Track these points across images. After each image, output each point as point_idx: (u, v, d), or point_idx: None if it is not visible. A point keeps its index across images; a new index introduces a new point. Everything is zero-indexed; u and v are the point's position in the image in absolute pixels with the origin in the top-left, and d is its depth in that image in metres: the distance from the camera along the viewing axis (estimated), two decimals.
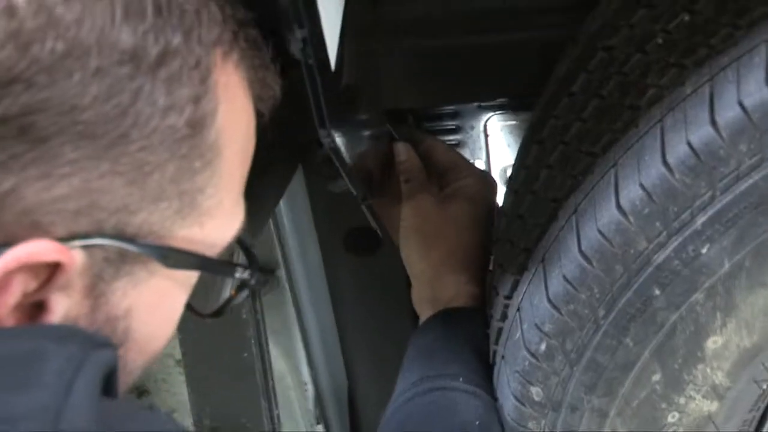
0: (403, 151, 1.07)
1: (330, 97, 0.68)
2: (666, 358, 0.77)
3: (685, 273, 0.72)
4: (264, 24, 0.69)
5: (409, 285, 1.05)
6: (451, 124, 1.25)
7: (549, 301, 0.78)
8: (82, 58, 0.46)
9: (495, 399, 0.88)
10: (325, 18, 0.67)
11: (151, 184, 0.50)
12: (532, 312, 0.80)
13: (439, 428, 0.86)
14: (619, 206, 0.72)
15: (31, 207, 0.47)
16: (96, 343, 0.48)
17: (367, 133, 0.95)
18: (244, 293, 0.65)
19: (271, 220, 1.29)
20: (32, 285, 0.48)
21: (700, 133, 0.68)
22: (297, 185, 1.23)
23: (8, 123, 0.45)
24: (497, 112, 1.24)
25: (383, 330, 1.28)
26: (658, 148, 0.70)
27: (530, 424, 0.84)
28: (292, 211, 1.28)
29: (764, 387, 0.80)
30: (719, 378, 0.78)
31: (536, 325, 0.79)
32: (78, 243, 0.48)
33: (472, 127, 1.25)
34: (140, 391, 1.64)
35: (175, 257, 0.53)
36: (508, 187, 0.94)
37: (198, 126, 0.51)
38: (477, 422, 0.84)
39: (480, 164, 1.25)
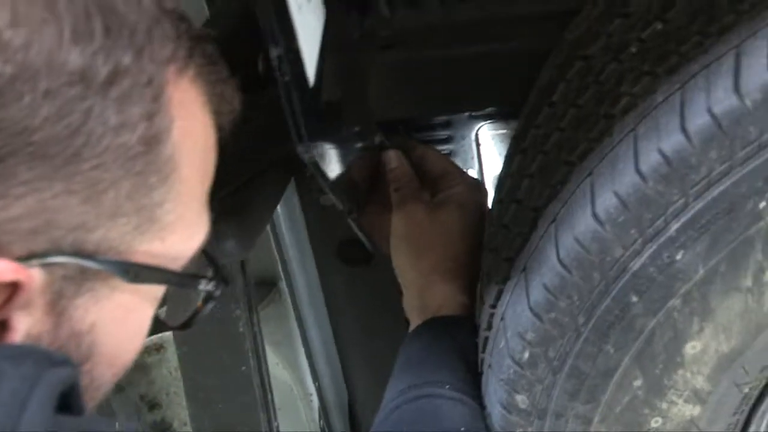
0: (393, 158, 1.06)
1: (309, 112, 0.69)
2: (646, 364, 0.77)
3: (661, 279, 0.72)
4: (252, 42, 0.70)
5: (401, 293, 1.06)
6: (442, 133, 1.25)
7: (531, 309, 0.78)
8: (31, 81, 0.46)
9: (482, 407, 0.89)
10: (302, 35, 0.68)
11: (106, 202, 0.51)
12: (515, 321, 0.80)
13: None
14: (594, 214, 0.72)
15: None
16: (53, 362, 0.48)
17: (356, 145, 0.96)
18: (210, 305, 0.65)
19: (270, 233, 1.30)
20: None
21: (672, 140, 0.68)
22: (294, 198, 1.24)
23: None
24: (488, 122, 1.25)
25: (381, 340, 1.28)
26: (632, 156, 0.71)
27: None
28: (290, 224, 1.29)
29: (746, 390, 0.80)
30: (700, 382, 0.79)
31: (519, 333, 0.80)
32: (36, 262, 0.49)
33: (464, 137, 1.25)
34: (152, 404, 1.64)
35: (136, 272, 0.54)
36: (494, 197, 0.94)
37: (152, 142, 0.52)
38: (462, 429, 0.85)
39: (472, 173, 1.26)
